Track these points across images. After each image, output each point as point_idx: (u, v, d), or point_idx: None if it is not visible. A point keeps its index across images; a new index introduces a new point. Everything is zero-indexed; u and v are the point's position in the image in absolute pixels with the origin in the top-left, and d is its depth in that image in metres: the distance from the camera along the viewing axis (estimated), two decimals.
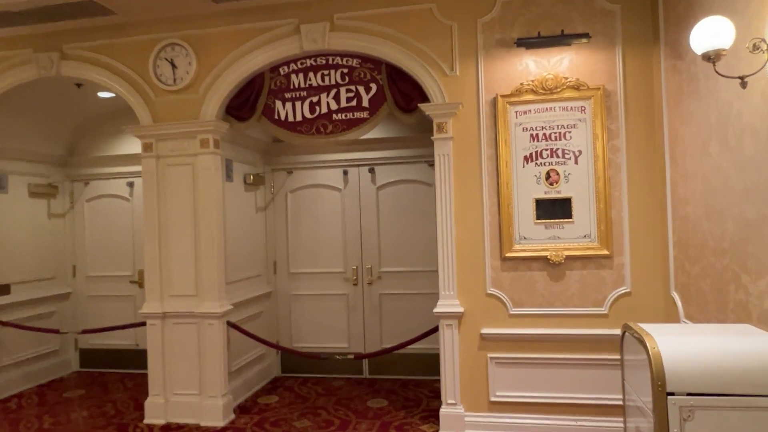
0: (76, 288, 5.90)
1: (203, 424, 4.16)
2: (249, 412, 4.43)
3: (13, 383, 5.13)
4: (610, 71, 3.68)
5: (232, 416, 4.30)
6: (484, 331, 3.81)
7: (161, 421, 4.23)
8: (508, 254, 3.79)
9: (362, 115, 4.11)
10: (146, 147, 4.32)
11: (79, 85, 4.81)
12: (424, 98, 3.93)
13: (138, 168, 5.46)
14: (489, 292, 3.83)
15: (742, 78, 2.11)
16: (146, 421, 4.26)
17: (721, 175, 2.67)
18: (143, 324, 4.36)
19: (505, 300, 3.81)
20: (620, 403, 2.70)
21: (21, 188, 5.36)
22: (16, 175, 5.30)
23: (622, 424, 2.72)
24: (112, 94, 4.87)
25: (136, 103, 4.32)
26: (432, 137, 3.90)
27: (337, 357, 4.41)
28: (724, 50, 2.10)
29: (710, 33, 2.09)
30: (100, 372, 5.78)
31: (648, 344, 2.04)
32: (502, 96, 3.78)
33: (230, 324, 4.33)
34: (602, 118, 3.66)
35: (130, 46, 4.34)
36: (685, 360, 1.98)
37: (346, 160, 5.32)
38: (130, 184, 5.75)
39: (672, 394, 1.96)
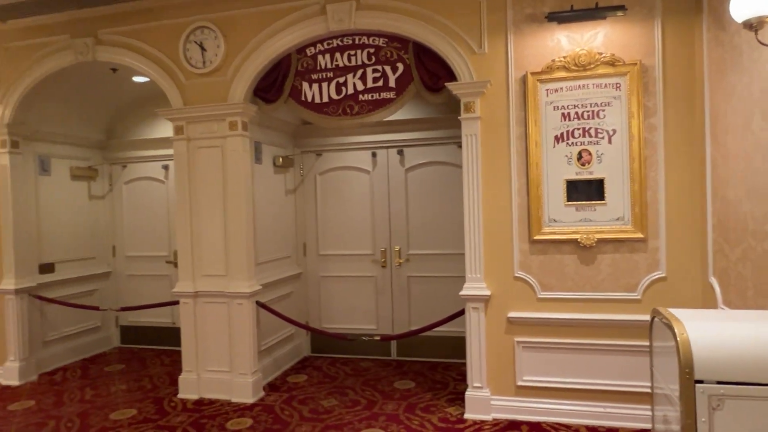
0: (116, 267, 6.13)
1: (234, 400, 4.27)
2: (278, 390, 4.52)
3: (59, 357, 5.40)
4: (648, 45, 3.50)
5: (262, 393, 4.40)
6: (512, 314, 3.75)
7: (194, 396, 4.37)
8: (537, 237, 3.69)
9: (389, 96, 4.06)
10: (177, 130, 4.40)
11: (114, 70, 4.93)
12: (452, 77, 3.84)
13: (172, 151, 5.61)
14: (517, 275, 3.76)
15: None
16: (180, 395, 4.41)
17: (764, 153, 2.51)
18: (178, 302, 4.48)
19: (533, 283, 3.72)
20: (651, 390, 2.61)
21: (63, 171, 5.57)
22: (58, 158, 5.51)
23: (651, 413, 2.63)
24: (146, 79, 4.98)
25: (167, 86, 4.40)
26: (459, 117, 3.82)
27: (364, 338, 4.43)
28: (767, 17, 1.95)
29: None
30: (139, 348, 6.02)
31: (676, 330, 1.95)
32: (533, 73, 3.65)
33: (259, 304, 4.41)
34: (638, 95, 3.49)
35: (162, 29, 4.40)
36: (716, 347, 1.88)
37: (374, 142, 5.28)
38: (166, 167, 5.90)
39: (701, 381, 1.87)
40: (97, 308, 5.37)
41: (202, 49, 4.29)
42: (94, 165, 5.93)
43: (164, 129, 5.76)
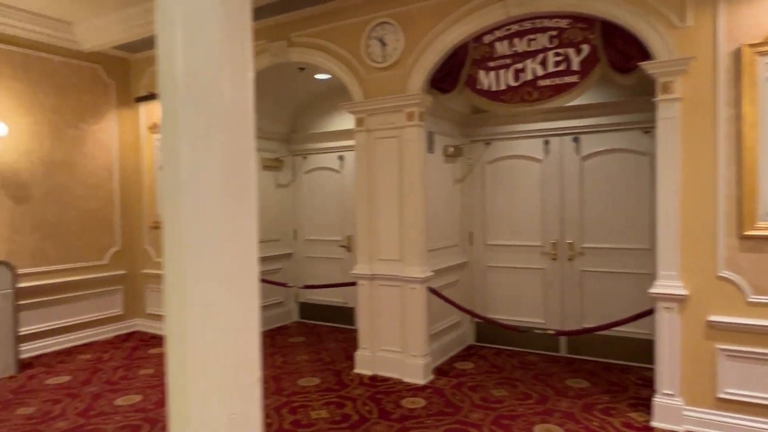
0: (296, 249, 6.76)
1: (405, 380, 4.47)
2: (446, 374, 4.61)
3: None
4: None
5: (431, 376, 4.53)
6: (713, 318, 3.36)
7: (369, 372, 4.66)
8: (749, 232, 3.25)
9: (571, 80, 3.87)
10: (358, 122, 4.68)
11: (301, 69, 5.40)
12: (645, 56, 3.53)
13: (346, 142, 6.01)
14: (720, 274, 3.35)
15: None
16: (356, 370, 4.73)
17: None
18: (353, 284, 4.81)
19: (742, 285, 3.29)
20: None
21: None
22: None
23: None
24: (327, 76, 5.38)
25: (349, 81, 4.70)
26: (654, 99, 3.50)
27: (536, 331, 4.32)
28: None
29: None
30: (314, 324, 6.58)
31: None
32: (750, 45, 3.20)
33: (430, 289, 4.53)
34: None
35: (345, 28, 4.71)
36: None
37: (547, 130, 5.08)
38: (341, 158, 6.33)
39: None
40: (284, 285, 5.99)
41: (382, 44, 4.50)
42: (280, 156, 6.58)
43: (339, 122, 6.19)
